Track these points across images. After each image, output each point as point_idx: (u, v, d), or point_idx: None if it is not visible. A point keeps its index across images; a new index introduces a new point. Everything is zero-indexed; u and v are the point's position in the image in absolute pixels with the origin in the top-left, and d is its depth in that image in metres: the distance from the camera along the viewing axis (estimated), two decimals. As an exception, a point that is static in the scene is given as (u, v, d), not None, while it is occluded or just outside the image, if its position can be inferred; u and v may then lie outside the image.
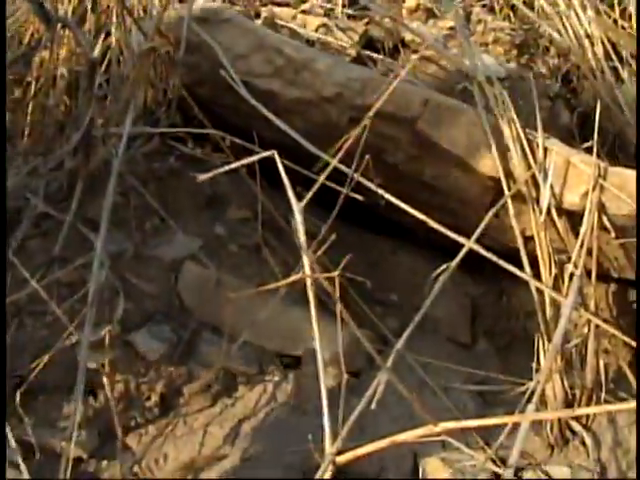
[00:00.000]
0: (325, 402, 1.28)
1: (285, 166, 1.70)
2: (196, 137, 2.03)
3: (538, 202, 1.79)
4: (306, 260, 1.34)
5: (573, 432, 1.84)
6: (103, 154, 1.83)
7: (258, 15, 2.10)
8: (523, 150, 1.79)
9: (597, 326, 1.80)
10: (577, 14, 2.21)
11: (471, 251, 1.90)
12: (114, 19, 2.01)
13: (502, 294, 2.10)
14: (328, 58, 1.91)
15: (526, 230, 1.84)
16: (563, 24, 2.20)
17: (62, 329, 1.62)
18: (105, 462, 1.64)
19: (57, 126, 2.00)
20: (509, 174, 1.80)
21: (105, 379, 1.55)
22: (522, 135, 1.78)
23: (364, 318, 1.91)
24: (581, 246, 1.75)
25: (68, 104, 2.02)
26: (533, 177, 1.79)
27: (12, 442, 1.51)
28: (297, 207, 1.37)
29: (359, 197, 1.65)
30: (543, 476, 1.77)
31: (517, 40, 2.22)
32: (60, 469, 1.47)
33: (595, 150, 1.80)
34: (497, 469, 1.67)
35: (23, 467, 1.50)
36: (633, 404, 1.01)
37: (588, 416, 1.85)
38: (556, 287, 1.77)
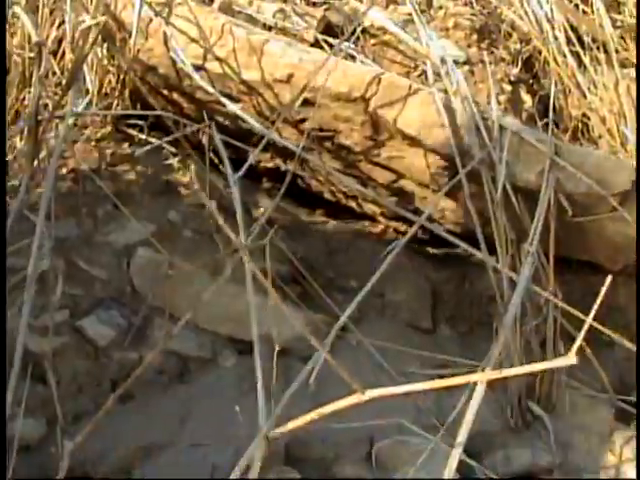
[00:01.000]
0: (260, 382, 1.24)
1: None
2: (152, 126, 2.01)
3: (494, 181, 1.77)
4: (242, 236, 1.29)
5: (534, 416, 1.82)
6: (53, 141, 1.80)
7: (212, 0, 2.07)
8: (477, 128, 1.76)
9: (557, 307, 1.78)
10: (538, -2, 2.19)
11: (433, 237, 1.87)
12: (67, 7, 1.99)
13: (464, 279, 2.07)
14: (281, 41, 1.89)
15: (484, 211, 1.82)
16: (524, 9, 2.18)
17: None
18: (53, 450, 1.61)
19: (12, 114, 1.98)
20: (464, 153, 1.78)
21: (47, 364, 1.51)
22: (476, 113, 1.76)
23: (323, 304, 1.89)
24: (537, 225, 1.73)
25: (22, 92, 2.00)
26: (489, 155, 1.77)
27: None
28: (232, 178, 1.33)
29: (306, 178, 1.62)
30: (503, 459, 1.75)
31: (477, 25, 2.20)
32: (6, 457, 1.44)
33: (551, 128, 1.78)
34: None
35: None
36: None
37: (549, 399, 1.82)
38: (513, 267, 1.74)
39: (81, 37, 1.71)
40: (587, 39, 2.22)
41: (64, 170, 1.86)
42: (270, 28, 2.07)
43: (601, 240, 1.87)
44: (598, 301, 1.05)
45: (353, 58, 1.96)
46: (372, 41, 2.13)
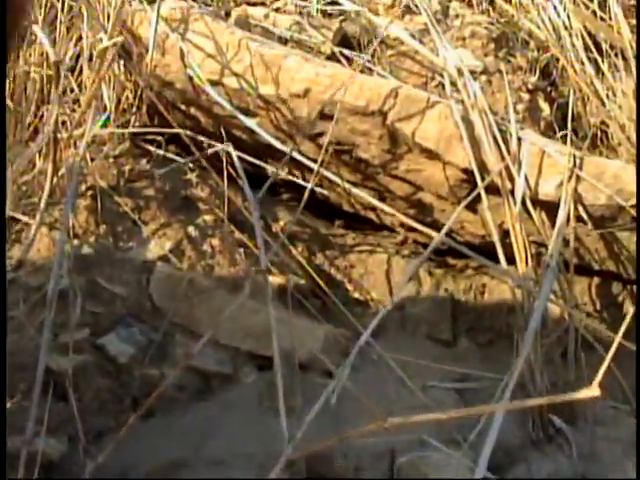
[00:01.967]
0: (282, 402, 1.24)
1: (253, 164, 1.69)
2: (170, 140, 2.02)
3: (513, 194, 1.76)
4: (263, 257, 1.30)
5: (556, 428, 1.80)
6: (73, 158, 1.80)
7: (228, 14, 2.08)
8: (496, 141, 1.76)
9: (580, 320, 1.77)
10: (555, 6, 2.18)
11: (452, 247, 1.87)
12: (84, 24, 2.00)
13: (484, 291, 2.06)
14: (298, 55, 1.89)
15: (504, 224, 1.81)
16: (541, 17, 2.17)
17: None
18: (74, 468, 1.61)
19: (30, 131, 1.99)
20: (483, 166, 1.77)
21: (67, 382, 1.52)
22: (494, 125, 1.75)
23: (342, 317, 1.89)
24: (557, 237, 1.72)
25: (40, 109, 2.01)
26: (507, 168, 1.76)
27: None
28: (253, 201, 1.33)
29: (325, 192, 1.62)
30: (525, 472, 1.74)
31: (494, 34, 2.19)
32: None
33: (569, 139, 1.77)
34: (473, 465, 1.63)
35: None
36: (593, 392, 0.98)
37: (572, 411, 1.81)
38: (534, 280, 1.73)
39: (99, 57, 1.71)
40: (605, 46, 2.20)
41: (83, 187, 1.87)
42: (286, 41, 2.07)
43: (620, 251, 1.86)
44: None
45: (370, 71, 1.96)
46: (389, 52, 2.13)
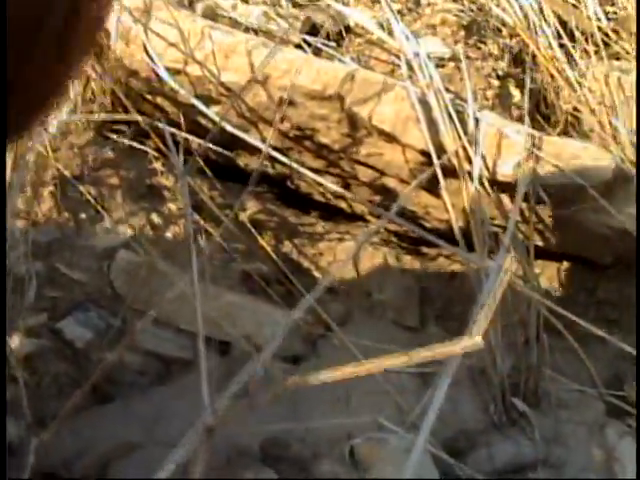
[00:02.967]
0: (204, 378, 1.24)
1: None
2: (136, 131, 2.03)
3: (471, 175, 1.75)
4: (189, 222, 1.30)
5: (519, 412, 1.79)
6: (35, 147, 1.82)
7: (191, 4, 2.09)
8: (452, 122, 1.75)
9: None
10: (526, -9, 2.17)
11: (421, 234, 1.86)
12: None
13: (454, 277, 2.05)
14: (258, 43, 1.89)
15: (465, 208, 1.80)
16: (510, 3, 2.16)
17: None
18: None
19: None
20: (441, 149, 1.76)
21: (15, 363, 1.53)
22: (450, 106, 1.74)
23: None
24: (513, 216, 1.71)
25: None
26: (465, 150, 1.75)
27: None
28: (180, 172, 1.34)
29: (269, 170, 1.62)
30: (487, 457, 1.72)
31: (465, 21, 2.18)
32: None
33: (527, 119, 1.76)
34: (431, 449, 1.62)
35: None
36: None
37: (535, 395, 1.80)
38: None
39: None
40: (577, 33, 2.19)
41: (47, 177, 1.88)
42: (255, 31, 2.08)
43: (585, 233, 1.84)
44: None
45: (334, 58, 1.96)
46: (358, 40, 2.13)
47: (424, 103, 1.76)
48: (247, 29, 2.06)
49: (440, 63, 2.05)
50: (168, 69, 1.88)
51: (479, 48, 2.15)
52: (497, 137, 1.75)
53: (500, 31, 2.23)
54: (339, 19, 2.12)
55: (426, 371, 1.83)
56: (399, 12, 2.17)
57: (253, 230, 1.96)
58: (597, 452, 1.74)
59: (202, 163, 1.87)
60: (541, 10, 2.17)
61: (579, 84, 2.11)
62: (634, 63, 2.10)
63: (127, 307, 1.76)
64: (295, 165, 1.70)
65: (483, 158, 1.74)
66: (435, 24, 2.17)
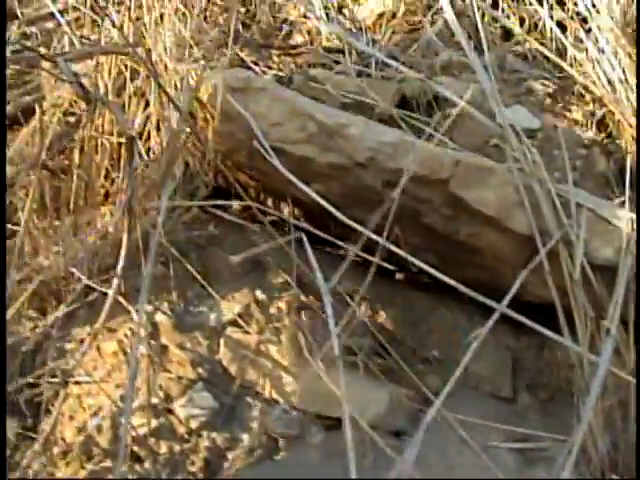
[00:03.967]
0: (353, 463, 1.29)
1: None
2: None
3: (572, 259, 1.79)
4: (335, 342, 1.35)
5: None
6: (144, 226, 1.88)
7: (291, 80, 2.14)
8: (555, 207, 1.79)
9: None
10: (610, 60, 2.21)
11: (512, 303, 1.90)
12: (152, 91, 2.07)
13: (544, 346, 2.09)
14: (360, 122, 1.94)
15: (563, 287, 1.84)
16: (595, 71, 2.20)
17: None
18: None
19: (100, 197, 2.07)
20: (543, 232, 1.81)
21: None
22: (553, 192, 1.79)
23: (405, 377, 1.94)
24: (616, 302, 1.75)
25: (111, 174, 2.09)
26: (566, 234, 1.80)
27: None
28: (324, 288, 1.39)
29: (390, 267, 1.67)
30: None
31: (550, 89, 2.22)
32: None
33: (628, 204, 1.80)
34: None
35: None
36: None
37: (632, 469, 1.84)
38: (592, 344, 1.76)
39: (174, 140, 1.78)
40: (661, 99, 2.22)
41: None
42: (347, 104, 2.13)
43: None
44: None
45: (431, 136, 2.00)
46: (447, 111, 2.17)
47: (527, 188, 1.80)
48: (341, 103, 2.11)
49: (530, 134, 2.09)
50: (272, 147, 1.92)
51: (565, 116, 2.19)
52: (598, 221, 1.80)
53: (583, 97, 2.27)
54: (428, 90, 2.16)
55: (525, 447, 1.89)
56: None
57: (350, 301, 2.01)
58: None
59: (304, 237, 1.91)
60: (625, 77, 2.20)
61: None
62: None
63: (238, 385, 1.82)
64: (403, 253, 1.74)
65: (584, 242, 1.78)
66: (521, 93, 2.21)
